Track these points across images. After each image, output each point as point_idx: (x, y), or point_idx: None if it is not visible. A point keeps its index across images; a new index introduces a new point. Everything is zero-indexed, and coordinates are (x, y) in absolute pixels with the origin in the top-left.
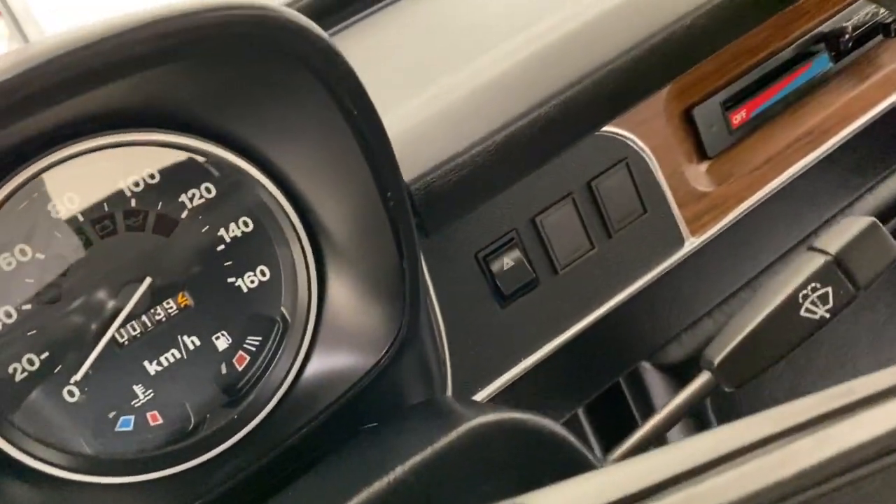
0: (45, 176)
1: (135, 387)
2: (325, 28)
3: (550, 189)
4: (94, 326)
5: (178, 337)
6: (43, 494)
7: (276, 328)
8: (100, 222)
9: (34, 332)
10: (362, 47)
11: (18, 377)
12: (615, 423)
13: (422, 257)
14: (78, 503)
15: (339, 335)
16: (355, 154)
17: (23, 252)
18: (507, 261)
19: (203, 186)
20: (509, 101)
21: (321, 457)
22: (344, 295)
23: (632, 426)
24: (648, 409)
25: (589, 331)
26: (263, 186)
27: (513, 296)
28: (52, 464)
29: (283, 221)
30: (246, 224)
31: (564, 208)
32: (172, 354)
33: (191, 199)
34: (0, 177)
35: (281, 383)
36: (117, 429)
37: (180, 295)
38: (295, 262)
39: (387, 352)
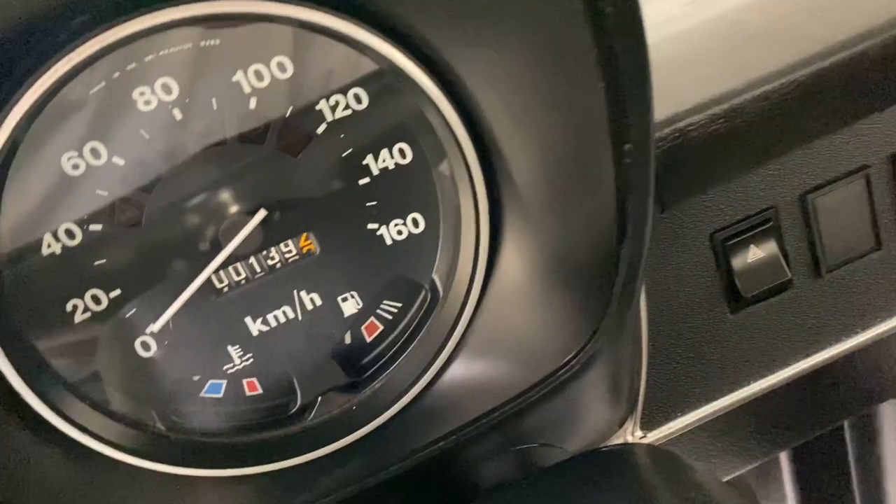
0: (134, 46)
1: (230, 348)
2: None
3: (835, 158)
4: (184, 264)
5: (294, 291)
6: (89, 480)
7: (421, 298)
8: (203, 124)
9: (103, 261)
10: None
11: (78, 317)
12: (823, 468)
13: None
14: (133, 498)
15: (506, 326)
16: (589, 78)
17: (94, 153)
18: (756, 251)
19: (352, 93)
20: (816, 30)
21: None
22: (521, 273)
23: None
24: (872, 459)
25: (843, 356)
26: (435, 105)
27: (753, 299)
28: (108, 442)
29: (455, 157)
30: (402, 153)
31: (852, 187)
32: (283, 313)
33: (333, 109)
34: (72, 38)
35: (419, 375)
36: (203, 393)
37: (303, 237)
38: (461, 216)
39: (570, 360)
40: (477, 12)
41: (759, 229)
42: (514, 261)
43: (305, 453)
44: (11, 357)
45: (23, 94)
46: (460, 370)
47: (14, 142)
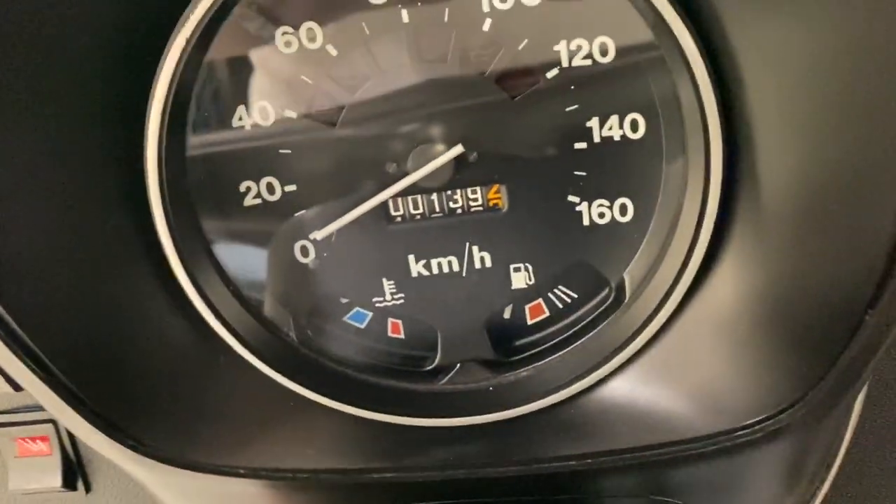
0: None
1: (385, 281)
2: None
3: None
4: (365, 180)
5: (467, 244)
6: (207, 363)
7: (603, 296)
8: (428, 36)
9: (288, 151)
10: None
11: (248, 201)
12: None
13: None
14: (245, 386)
15: (693, 357)
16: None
17: (310, 34)
18: None
19: (599, 41)
20: None
21: None
22: (732, 301)
23: None
24: None
25: None
26: (694, 79)
27: None
28: (232, 329)
29: (696, 147)
30: (634, 126)
31: None
32: (449, 263)
33: (572, 55)
34: None
35: (574, 379)
36: (346, 318)
37: (494, 188)
38: (681, 217)
39: (758, 423)
40: None
41: None
42: (729, 284)
43: (426, 417)
44: (175, 231)
45: None
46: (622, 389)
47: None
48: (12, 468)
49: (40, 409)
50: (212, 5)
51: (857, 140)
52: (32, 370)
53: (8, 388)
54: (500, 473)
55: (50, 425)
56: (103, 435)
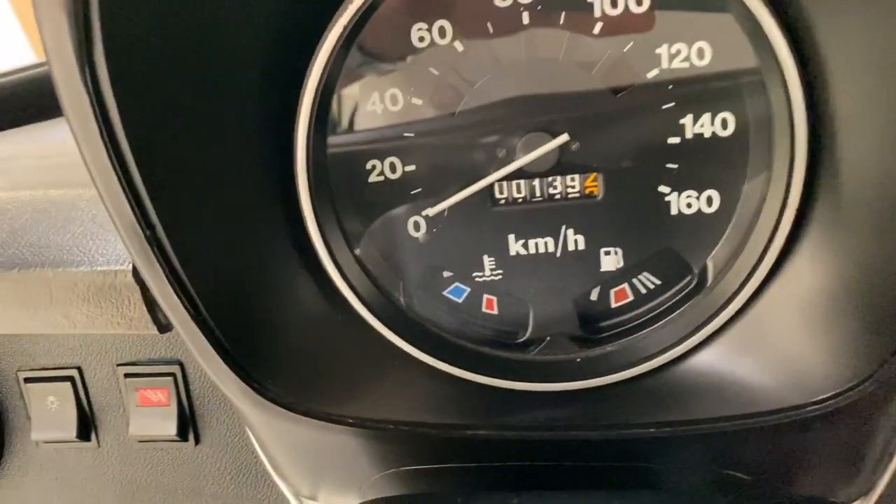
0: None
1: (486, 258)
2: None
3: None
4: (477, 164)
5: (563, 227)
6: (331, 317)
7: (686, 281)
8: (545, 36)
9: (412, 135)
10: None
11: (373, 178)
12: None
13: None
14: (360, 346)
15: (770, 337)
16: None
17: (441, 31)
18: None
19: (697, 46)
20: None
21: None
22: (809, 285)
23: None
24: None
25: None
26: (786, 85)
27: None
28: (354, 290)
29: (781, 145)
30: (724, 125)
31: None
32: (546, 243)
33: (672, 57)
34: None
35: (654, 355)
36: (446, 292)
37: (591, 177)
38: (763, 208)
39: (829, 398)
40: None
41: None
42: (806, 271)
43: (517, 381)
44: (315, 206)
45: None
46: (701, 364)
47: (374, 5)
48: (133, 415)
49: (163, 363)
50: (362, 5)
51: None
52: (188, 310)
53: (147, 331)
54: (583, 436)
55: (170, 378)
56: (235, 376)
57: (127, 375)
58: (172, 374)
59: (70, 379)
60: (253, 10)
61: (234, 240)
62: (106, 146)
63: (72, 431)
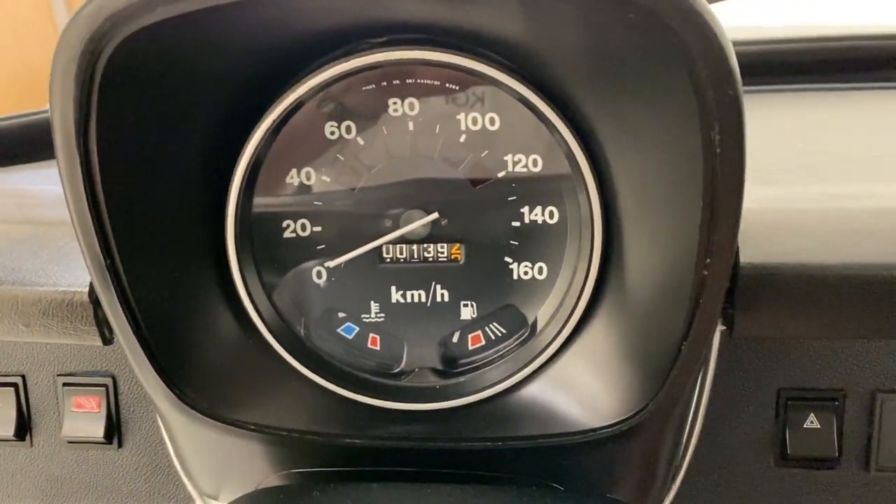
0: (406, 69)
1: (373, 303)
2: None
3: None
4: (369, 229)
5: (433, 283)
6: (244, 344)
7: (522, 331)
8: (425, 139)
9: (320, 203)
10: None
11: (286, 234)
12: None
13: (715, 347)
14: (266, 368)
15: (578, 373)
16: (693, 199)
17: (348, 129)
18: (814, 420)
19: (532, 158)
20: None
21: (484, 480)
22: (605, 336)
23: None
24: None
25: None
26: (588, 194)
27: (796, 462)
28: (266, 324)
29: (586, 235)
30: (551, 215)
31: None
32: (419, 295)
33: (514, 163)
34: (358, 50)
35: (493, 384)
36: (339, 330)
37: (455, 246)
38: (576, 275)
39: (617, 423)
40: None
41: (824, 402)
42: (603, 327)
43: (389, 401)
44: (239, 252)
45: (317, 74)
46: (529, 394)
47: (299, 105)
48: (66, 419)
49: (98, 374)
50: (290, 104)
51: (673, 239)
52: (131, 325)
53: (93, 343)
54: (437, 446)
55: (103, 388)
56: (161, 382)
57: (65, 384)
58: (105, 385)
59: (14, 385)
60: (201, 112)
61: (173, 275)
62: (86, 194)
63: (10, 431)
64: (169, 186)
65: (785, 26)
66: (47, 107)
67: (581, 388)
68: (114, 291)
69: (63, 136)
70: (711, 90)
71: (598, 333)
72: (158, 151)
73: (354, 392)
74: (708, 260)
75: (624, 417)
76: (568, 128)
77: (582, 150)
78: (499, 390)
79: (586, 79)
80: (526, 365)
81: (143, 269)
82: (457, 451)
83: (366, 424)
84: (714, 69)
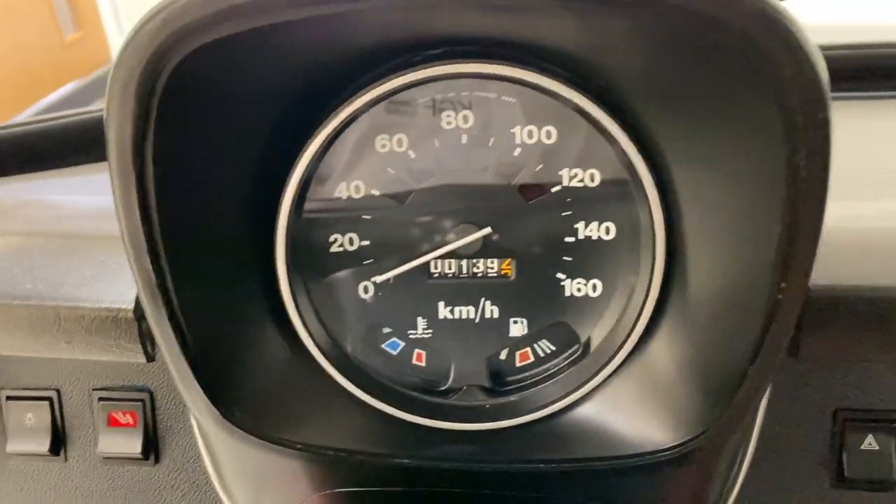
0: (460, 83)
1: (419, 318)
2: None
3: None
4: (418, 243)
5: (482, 299)
6: (293, 362)
7: (574, 349)
8: (478, 153)
9: (369, 217)
10: None
11: (333, 248)
12: None
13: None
14: (315, 385)
15: (636, 394)
16: (771, 221)
17: (399, 142)
18: (872, 442)
19: (590, 172)
20: None
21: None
22: (665, 356)
23: None
24: None
25: None
26: (651, 211)
27: (853, 484)
28: (313, 339)
29: (646, 252)
30: (607, 231)
31: None
32: (468, 311)
33: (571, 178)
34: (413, 63)
35: (547, 404)
36: (383, 345)
37: (506, 261)
38: (634, 293)
39: (674, 447)
40: (711, 157)
41: (883, 423)
42: (663, 347)
43: (437, 420)
44: (289, 269)
45: (374, 88)
46: (581, 416)
47: (353, 119)
48: (102, 434)
49: (135, 390)
50: (345, 118)
51: (743, 259)
52: (179, 343)
53: (135, 360)
54: (487, 468)
55: (139, 404)
56: (208, 401)
57: (101, 399)
58: (142, 400)
59: (49, 399)
60: (253, 128)
61: (221, 292)
62: (141, 213)
63: (45, 446)
64: (219, 203)
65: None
66: (72, 111)
67: (636, 409)
68: (163, 309)
69: (119, 153)
70: (801, 114)
71: (656, 354)
72: (211, 168)
73: (402, 410)
74: (783, 284)
75: (681, 441)
76: (630, 141)
77: (645, 164)
78: (553, 411)
79: (653, 94)
80: (582, 385)
81: (192, 286)
82: (506, 472)
83: (413, 444)
84: (806, 93)
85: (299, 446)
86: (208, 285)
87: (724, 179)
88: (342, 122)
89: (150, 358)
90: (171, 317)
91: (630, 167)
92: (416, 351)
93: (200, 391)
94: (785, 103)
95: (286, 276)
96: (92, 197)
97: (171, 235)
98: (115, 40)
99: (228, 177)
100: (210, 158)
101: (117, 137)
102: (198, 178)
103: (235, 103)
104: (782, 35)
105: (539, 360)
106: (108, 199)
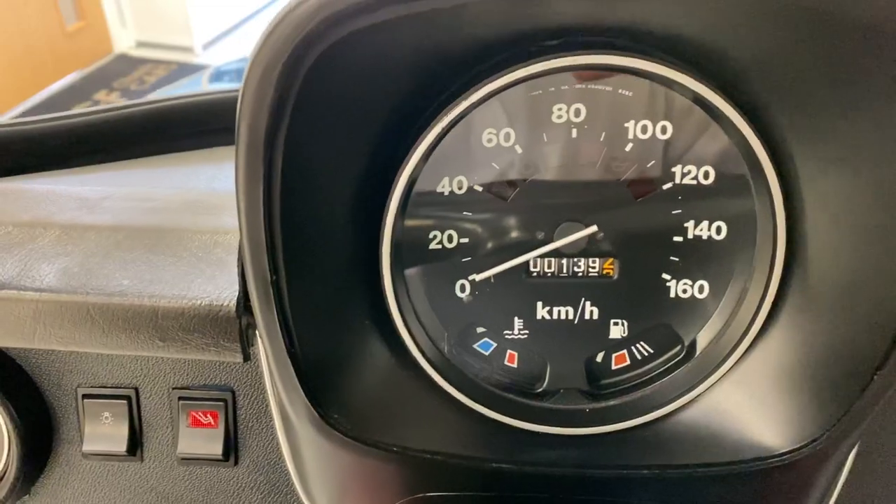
0: (568, 75)
1: (516, 319)
2: None
3: None
4: (519, 242)
5: (582, 299)
6: (390, 361)
7: (676, 351)
8: (588, 147)
9: (469, 214)
10: None
11: (432, 245)
12: None
13: None
14: (416, 387)
15: (744, 399)
16: None
17: (507, 136)
18: None
19: (704, 169)
20: None
21: None
22: (779, 360)
23: None
24: None
25: None
26: (773, 209)
27: None
28: (413, 339)
29: (764, 252)
30: (718, 231)
31: None
32: (566, 311)
33: (683, 175)
34: (529, 55)
35: (653, 409)
36: (475, 345)
37: (609, 261)
38: (747, 295)
39: (783, 454)
40: (846, 159)
41: None
42: (775, 349)
43: (535, 423)
44: (392, 268)
45: (491, 81)
46: (685, 421)
47: (461, 116)
48: (182, 435)
49: (217, 389)
50: (460, 112)
51: (875, 257)
52: (285, 343)
53: (232, 360)
54: (587, 473)
55: (221, 404)
56: (308, 404)
57: (181, 398)
58: (224, 400)
59: (127, 398)
60: (372, 123)
61: (327, 294)
62: (265, 208)
63: (122, 446)
64: (332, 201)
65: None
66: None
67: (743, 414)
68: (274, 307)
69: (250, 145)
70: None
71: (768, 359)
72: (328, 166)
73: (501, 414)
74: None
75: (794, 447)
76: (756, 136)
77: (770, 160)
78: (654, 416)
79: (782, 83)
80: (690, 389)
81: (304, 286)
82: (605, 478)
83: (512, 448)
84: None
85: (395, 449)
86: (316, 285)
87: (862, 178)
88: (457, 116)
89: (247, 357)
90: (281, 316)
91: (751, 162)
92: (509, 352)
93: (301, 393)
94: None
95: (390, 276)
96: (176, 190)
97: (290, 233)
98: (117, 30)
99: (342, 175)
100: (328, 156)
101: (250, 126)
102: (318, 174)
103: (356, 98)
104: None
105: (636, 363)
106: (199, 192)
